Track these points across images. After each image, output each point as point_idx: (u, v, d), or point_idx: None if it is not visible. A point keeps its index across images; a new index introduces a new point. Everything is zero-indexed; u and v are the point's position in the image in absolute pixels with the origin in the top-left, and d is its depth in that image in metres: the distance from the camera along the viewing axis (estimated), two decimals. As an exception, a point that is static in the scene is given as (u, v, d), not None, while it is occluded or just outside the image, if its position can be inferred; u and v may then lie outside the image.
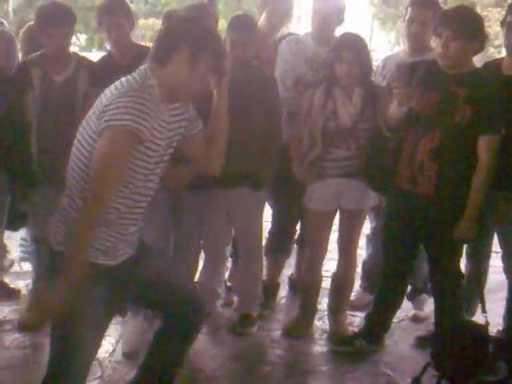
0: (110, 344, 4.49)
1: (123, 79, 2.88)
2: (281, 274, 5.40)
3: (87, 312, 2.88)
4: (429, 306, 4.93)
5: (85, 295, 2.81)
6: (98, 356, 4.28)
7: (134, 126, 2.66)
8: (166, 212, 4.38)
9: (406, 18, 4.73)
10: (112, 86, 2.87)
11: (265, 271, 5.23)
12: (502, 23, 4.26)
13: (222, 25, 10.95)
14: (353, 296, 5.10)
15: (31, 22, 5.48)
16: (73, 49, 4.71)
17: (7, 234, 5.53)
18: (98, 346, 3.19)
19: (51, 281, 2.81)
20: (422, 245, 4.33)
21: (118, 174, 2.76)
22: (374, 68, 4.86)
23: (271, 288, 5.25)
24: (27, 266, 5.54)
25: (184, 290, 3.34)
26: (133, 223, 3.01)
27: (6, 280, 5.41)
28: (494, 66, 4.32)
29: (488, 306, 4.07)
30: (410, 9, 4.72)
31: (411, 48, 4.78)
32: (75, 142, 2.94)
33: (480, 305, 4.09)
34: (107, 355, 4.36)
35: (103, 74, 4.55)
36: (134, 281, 3.10)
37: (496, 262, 4.65)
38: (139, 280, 3.13)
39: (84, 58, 4.68)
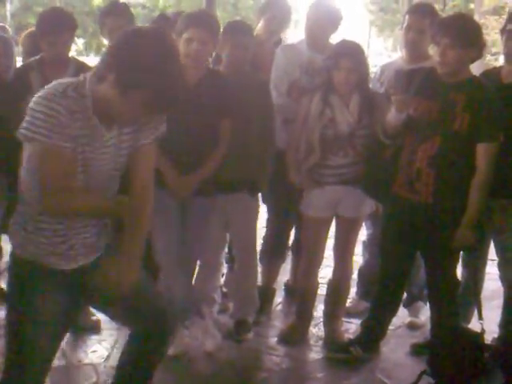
0: (105, 349, 4.48)
1: (53, 82, 2.77)
2: (276, 280, 5.39)
3: (36, 315, 2.83)
4: (424, 313, 4.93)
5: (34, 298, 2.82)
6: (92, 361, 4.32)
7: (45, 141, 2.66)
8: (176, 215, 4.37)
9: (404, 25, 4.74)
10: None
11: (260, 277, 5.23)
12: (502, 31, 4.26)
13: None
14: (348, 303, 5.10)
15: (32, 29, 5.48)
16: (70, 53, 4.69)
17: (3, 236, 5.53)
18: (50, 352, 2.97)
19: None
20: (420, 252, 4.33)
21: (55, 171, 2.71)
22: (372, 75, 4.87)
23: (267, 294, 5.24)
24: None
25: (154, 303, 3.13)
26: (90, 223, 2.91)
27: (2, 283, 5.39)
28: (492, 74, 4.32)
29: (484, 313, 4.08)
30: (407, 16, 4.74)
31: (409, 55, 4.79)
32: None
33: (476, 312, 4.09)
34: (102, 360, 4.35)
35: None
36: (92, 289, 2.94)
37: (492, 270, 4.66)
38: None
39: (82, 63, 4.68)
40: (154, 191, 4.27)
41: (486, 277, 4.68)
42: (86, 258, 2.93)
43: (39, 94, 2.67)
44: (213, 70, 4.49)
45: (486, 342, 4.01)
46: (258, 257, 5.13)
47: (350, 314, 5.08)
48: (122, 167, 2.93)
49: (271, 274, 5.32)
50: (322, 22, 4.86)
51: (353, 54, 4.30)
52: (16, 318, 2.88)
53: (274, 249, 5.24)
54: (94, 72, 2.73)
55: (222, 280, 5.21)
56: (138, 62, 2.53)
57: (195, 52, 4.13)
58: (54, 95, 2.64)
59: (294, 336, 4.74)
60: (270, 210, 5.22)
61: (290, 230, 5.30)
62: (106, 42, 4.89)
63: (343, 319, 4.88)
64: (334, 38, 4.94)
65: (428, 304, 4.54)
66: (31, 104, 2.66)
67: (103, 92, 2.65)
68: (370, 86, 4.70)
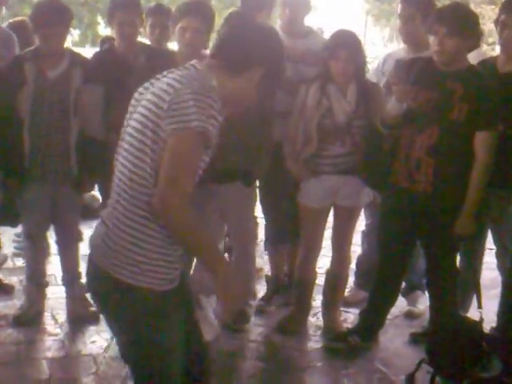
0: (104, 340, 4.48)
1: (179, 73, 2.56)
2: (284, 268, 5.34)
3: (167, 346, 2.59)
4: (423, 302, 4.94)
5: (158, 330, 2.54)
6: (92, 352, 4.33)
7: (205, 127, 2.36)
8: None
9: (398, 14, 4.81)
10: (170, 80, 2.52)
11: (269, 267, 5.30)
12: (496, 22, 4.27)
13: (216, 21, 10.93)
14: (347, 293, 5.10)
15: (17, 18, 5.47)
16: (66, 44, 4.68)
17: (0, 229, 5.54)
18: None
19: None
20: (419, 241, 4.34)
21: (189, 171, 2.43)
22: (369, 65, 4.87)
23: (276, 284, 5.24)
24: (20, 262, 5.54)
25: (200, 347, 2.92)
26: None
27: (0, 276, 5.40)
28: (489, 63, 4.33)
29: (484, 302, 4.08)
30: (399, 5, 4.81)
31: (409, 45, 4.81)
32: (122, 149, 2.57)
33: (475, 301, 4.10)
34: (102, 351, 4.35)
35: (100, 69, 4.54)
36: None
37: (489, 259, 4.67)
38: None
39: (78, 54, 4.67)
40: None
41: (484, 266, 4.69)
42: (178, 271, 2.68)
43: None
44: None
45: (484, 330, 4.02)
46: (264, 247, 5.16)
47: (349, 303, 5.08)
48: None
49: (279, 261, 5.30)
50: (298, 7, 4.90)
51: (350, 44, 4.30)
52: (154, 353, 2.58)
53: (276, 234, 5.20)
54: (224, 64, 2.56)
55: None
56: (277, 48, 2.63)
57: (189, 40, 4.13)
58: (203, 88, 2.44)
59: (293, 326, 4.75)
60: (265, 200, 5.19)
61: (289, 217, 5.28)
62: (102, 33, 4.88)
63: (341, 309, 4.90)
64: (328, 27, 4.96)
65: (427, 293, 4.55)
66: (188, 101, 2.39)
67: (237, 86, 2.56)
68: (372, 76, 4.71)
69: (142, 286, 2.47)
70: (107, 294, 2.57)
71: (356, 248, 5.22)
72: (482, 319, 3.98)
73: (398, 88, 4.02)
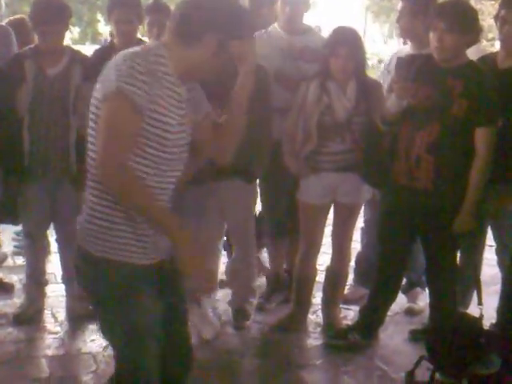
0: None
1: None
2: (283, 265, 5.33)
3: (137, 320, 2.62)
4: (423, 299, 4.94)
5: (127, 303, 2.60)
6: (91, 350, 4.33)
7: (126, 88, 2.42)
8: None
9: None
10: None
11: (268, 264, 5.31)
12: (496, 18, 4.26)
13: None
14: (347, 290, 5.10)
15: (16, 16, 5.46)
16: (66, 42, 4.67)
17: (0, 227, 5.54)
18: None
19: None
20: (420, 238, 4.33)
21: (119, 137, 2.45)
22: (369, 62, 4.88)
23: (276, 281, 5.24)
24: (20, 261, 5.55)
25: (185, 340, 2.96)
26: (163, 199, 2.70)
27: (0, 274, 5.41)
28: (489, 59, 4.32)
29: (484, 298, 4.07)
30: (401, 2, 4.80)
31: (411, 42, 4.82)
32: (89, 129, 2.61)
33: (476, 297, 4.09)
34: (101, 349, 4.35)
35: (100, 67, 4.53)
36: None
37: (489, 255, 4.66)
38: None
39: (78, 52, 4.67)
40: None
41: (484, 262, 4.69)
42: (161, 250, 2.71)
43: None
44: None
45: (484, 327, 4.02)
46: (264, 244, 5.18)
47: (348, 300, 5.08)
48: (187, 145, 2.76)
49: (277, 259, 5.30)
50: (298, 5, 4.92)
51: (350, 41, 4.30)
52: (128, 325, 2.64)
53: (275, 227, 5.18)
54: (177, 36, 2.60)
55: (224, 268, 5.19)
56: (232, 13, 2.62)
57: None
58: (135, 55, 2.54)
59: (293, 323, 4.75)
60: (264, 196, 5.18)
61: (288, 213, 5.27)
62: (101, 30, 4.87)
63: (341, 306, 4.89)
64: (327, 24, 4.98)
65: (427, 290, 4.55)
66: (111, 68, 2.57)
67: (192, 55, 2.59)
68: (380, 75, 4.71)
69: (114, 258, 2.57)
70: (84, 268, 2.68)
71: (356, 245, 5.21)
72: (481, 316, 3.98)
73: (399, 85, 4.02)
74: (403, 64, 4.10)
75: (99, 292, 2.66)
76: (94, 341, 4.47)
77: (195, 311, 4.57)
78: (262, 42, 4.88)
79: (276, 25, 5.07)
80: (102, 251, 2.58)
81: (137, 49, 2.61)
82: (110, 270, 2.59)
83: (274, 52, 4.84)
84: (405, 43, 5.09)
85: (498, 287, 4.48)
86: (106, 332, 2.80)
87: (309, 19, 5.17)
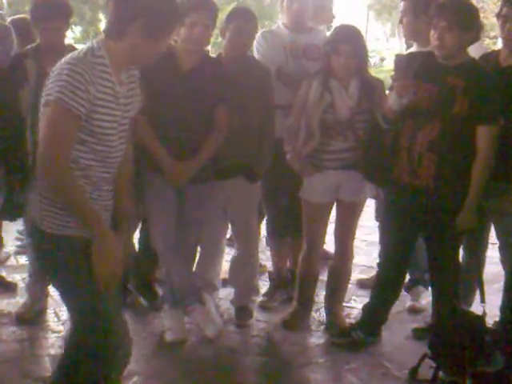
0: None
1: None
2: (286, 263, 5.32)
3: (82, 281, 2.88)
4: (425, 297, 4.94)
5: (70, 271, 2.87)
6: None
7: (64, 100, 2.65)
8: (173, 202, 4.38)
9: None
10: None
11: (270, 264, 5.32)
12: (498, 16, 4.25)
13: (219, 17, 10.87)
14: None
15: (18, 16, 5.45)
16: (68, 41, 4.66)
17: (3, 227, 5.54)
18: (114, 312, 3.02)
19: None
20: (422, 236, 4.33)
21: (55, 142, 2.70)
22: (371, 60, 4.88)
23: (279, 279, 5.23)
24: (23, 260, 5.55)
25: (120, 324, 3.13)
26: (104, 181, 2.92)
27: (3, 273, 5.41)
28: (491, 57, 4.32)
29: (487, 296, 4.07)
30: (401, 1, 4.81)
31: (416, 42, 4.81)
32: None
33: (479, 295, 4.09)
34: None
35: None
36: None
37: (492, 253, 4.66)
38: None
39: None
40: (151, 178, 4.31)
41: (487, 260, 4.68)
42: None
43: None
44: (209, 55, 4.46)
45: (487, 325, 4.02)
46: (265, 242, 5.18)
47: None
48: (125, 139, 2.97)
49: (280, 257, 5.29)
50: (306, 2, 4.94)
51: (352, 39, 4.29)
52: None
53: (279, 226, 5.18)
54: (108, 33, 2.81)
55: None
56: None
57: (198, 36, 4.12)
58: (75, 60, 2.73)
59: (296, 321, 4.75)
60: (267, 196, 5.18)
61: (290, 212, 5.26)
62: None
63: (344, 304, 4.89)
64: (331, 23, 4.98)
65: (429, 288, 4.55)
66: (55, 75, 2.73)
67: (126, 46, 2.77)
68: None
69: (61, 233, 2.82)
70: (36, 244, 2.99)
71: (358, 243, 5.21)
72: (484, 313, 3.98)
73: (398, 83, 4.02)
74: (402, 62, 4.10)
75: (52, 262, 2.92)
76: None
77: (199, 310, 4.57)
78: (266, 40, 4.91)
79: (280, 23, 5.08)
80: (50, 227, 2.81)
81: (77, 54, 2.78)
82: (60, 244, 2.84)
83: (276, 50, 4.86)
84: (408, 43, 5.06)
85: (501, 285, 4.46)
86: (65, 296, 3.03)
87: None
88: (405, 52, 5.23)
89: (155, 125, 4.18)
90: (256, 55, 4.95)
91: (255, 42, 4.87)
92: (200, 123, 4.24)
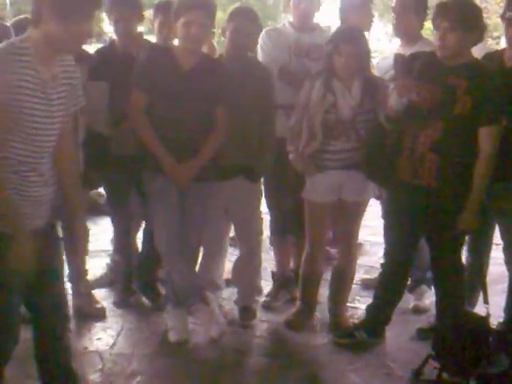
0: (111, 336, 4.50)
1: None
2: (290, 264, 5.32)
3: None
4: (429, 297, 4.93)
5: None
6: (98, 349, 4.32)
7: None
8: (176, 201, 4.37)
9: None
10: None
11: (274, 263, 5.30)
12: (502, 18, 4.25)
13: (220, 16, 10.87)
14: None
15: (20, 16, 5.44)
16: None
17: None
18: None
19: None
20: (425, 237, 4.32)
21: None
22: (373, 60, 4.88)
23: (282, 279, 5.22)
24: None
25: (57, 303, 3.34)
26: (33, 178, 2.98)
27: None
28: (495, 57, 4.31)
29: (489, 297, 4.06)
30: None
31: (402, 39, 4.91)
32: None
33: (482, 296, 4.09)
34: (108, 348, 4.36)
35: (103, 65, 4.54)
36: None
37: (497, 254, 4.65)
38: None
39: (82, 50, 4.65)
40: (153, 177, 4.29)
41: (491, 261, 4.67)
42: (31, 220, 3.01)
43: None
44: (208, 55, 4.45)
45: (491, 326, 4.01)
46: (268, 242, 5.18)
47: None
48: (56, 133, 3.02)
49: (283, 257, 5.29)
50: (313, 2, 4.97)
51: (353, 38, 4.29)
52: None
53: (284, 225, 5.18)
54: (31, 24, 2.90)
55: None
56: None
57: (196, 35, 4.11)
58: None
59: (299, 321, 4.74)
60: (269, 195, 5.18)
61: (292, 213, 5.26)
62: (106, 29, 4.88)
63: (348, 304, 4.88)
64: (333, 23, 5.00)
65: (433, 288, 4.54)
66: None
67: (43, 32, 2.83)
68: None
69: None
70: None
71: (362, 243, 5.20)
72: (488, 314, 3.97)
73: (398, 82, 4.02)
74: (401, 61, 4.10)
75: None
76: (101, 339, 4.48)
77: (202, 310, 4.57)
78: (270, 38, 4.92)
79: (286, 22, 5.08)
80: None
81: (1, 44, 2.90)
82: None
83: (280, 48, 4.87)
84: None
85: (505, 286, 4.46)
86: None
87: (318, 19, 5.18)
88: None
89: (156, 125, 4.18)
90: (260, 53, 4.96)
91: (260, 40, 4.88)
92: (200, 123, 4.23)
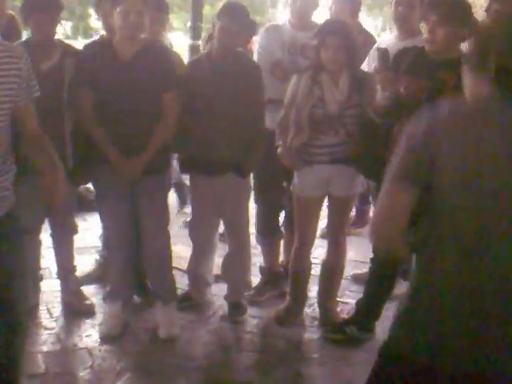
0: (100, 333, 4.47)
1: None
2: (279, 260, 5.31)
3: None
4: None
5: None
6: (87, 345, 4.31)
7: None
8: (125, 195, 4.35)
9: (393, 0, 4.80)
10: None
11: (262, 258, 5.29)
12: (488, 11, 4.25)
13: (207, 11, 10.83)
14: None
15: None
16: (58, 37, 4.62)
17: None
18: None
19: None
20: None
21: None
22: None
23: (271, 275, 5.21)
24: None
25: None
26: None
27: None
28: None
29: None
30: None
31: (399, 31, 4.83)
32: None
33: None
34: (97, 345, 4.34)
35: (91, 60, 4.51)
36: None
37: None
38: None
39: (70, 46, 4.63)
40: (102, 170, 4.17)
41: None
42: None
43: None
44: (150, 42, 4.38)
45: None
46: (255, 238, 5.16)
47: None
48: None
49: (271, 253, 5.29)
50: (308, 2, 4.96)
51: (339, 31, 4.29)
52: None
53: (267, 226, 5.20)
54: None
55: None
56: None
57: (133, 24, 4.06)
58: None
59: (289, 317, 4.74)
60: (258, 190, 5.18)
61: (281, 208, 5.27)
62: (93, 24, 4.85)
63: (338, 299, 4.88)
64: (322, 18, 5.00)
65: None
66: None
67: None
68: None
69: None
70: None
71: (352, 238, 5.19)
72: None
73: (381, 75, 4.02)
74: (385, 54, 4.09)
75: None
76: (90, 336, 4.46)
77: (161, 309, 4.54)
78: (267, 34, 4.96)
79: (287, 20, 5.10)
80: None
81: None
82: None
83: (275, 44, 4.89)
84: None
85: None
86: None
87: (318, 18, 5.20)
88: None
89: (103, 119, 4.16)
90: (258, 47, 5.05)
91: (258, 35, 4.98)
92: (147, 114, 4.18)
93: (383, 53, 4.14)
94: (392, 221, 2.22)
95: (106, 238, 5.02)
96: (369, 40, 5.20)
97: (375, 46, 5.01)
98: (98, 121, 4.17)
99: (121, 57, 4.18)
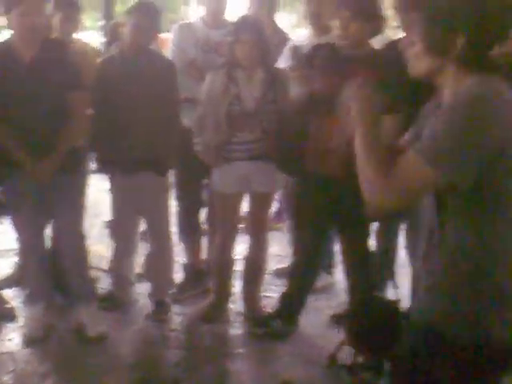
0: (22, 337, 4.39)
1: None
2: (201, 257, 5.32)
3: None
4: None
5: None
6: (10, 350, 4.22)
7: None
8: (35, 197, 4.29)
9: None
10: None
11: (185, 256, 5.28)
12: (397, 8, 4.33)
13: (119, 9, 10.72)
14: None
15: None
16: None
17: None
18: None
19: None
20: (334, 225, 4.38)
21: None
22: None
23: (193, 272, 5.22)
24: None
25: None
26: None
27: None
28: (395, 46, 4.38)
29: (399, 281, 4.15)
30: None
31: (313, 28, 4.90)
32: None
33: (392, 281, 4.17)
34: (20, 348, 4.27)
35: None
36: None
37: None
38: None
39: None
40: (11, 174, 4.14)
41: (400, 246, 4.76)
42: None
43: None
44: (53, 41, 4.32)
45: (401, 309, 4.09)
46: (178, 236, 5.15)
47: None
48: None
49: (193, 251, 5.29)
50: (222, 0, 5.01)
51: (252, 27, 4.32)
52: None
53: (188, 224, 5.21)
54: None
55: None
56: None
57: (30, 25, 3.98)
58: None
59: (213, 313, 4.74)
60: (178, 188, 5.18)
61: (201, 205, 5.28)
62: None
63: (262, 294, 4.90)
64: (235, 16, 5.02)
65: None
66: None
67: None
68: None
69: None
70: None
71: (274, 233, 5.23)
72: (398, 298, 4.05)
73: (295, 73, 4.07)
74: (298, 51, 4.14)
75: None
76: (12, 340, 4.38)
77: (85, 308, 4.50)
78: (180, 32, 4.94)
79: (199, 17, 5.09)
80: None
81: None
82: None
83: (190, 43, 4.90)
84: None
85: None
86: None
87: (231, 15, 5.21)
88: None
89: (12, 124, 4.08)
90: (170, 46, 5.03)
91: (172, 33, 4.96)
92: (54, 114, 4.12)
93: (295, 50, 4.19)
94: (409, 193, 2.22)
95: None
96: (283, 39, 5.24)
97: (289, 44, 5.07)
98: (5, 124, 4.08)
99: (22, 58, 4.08)
